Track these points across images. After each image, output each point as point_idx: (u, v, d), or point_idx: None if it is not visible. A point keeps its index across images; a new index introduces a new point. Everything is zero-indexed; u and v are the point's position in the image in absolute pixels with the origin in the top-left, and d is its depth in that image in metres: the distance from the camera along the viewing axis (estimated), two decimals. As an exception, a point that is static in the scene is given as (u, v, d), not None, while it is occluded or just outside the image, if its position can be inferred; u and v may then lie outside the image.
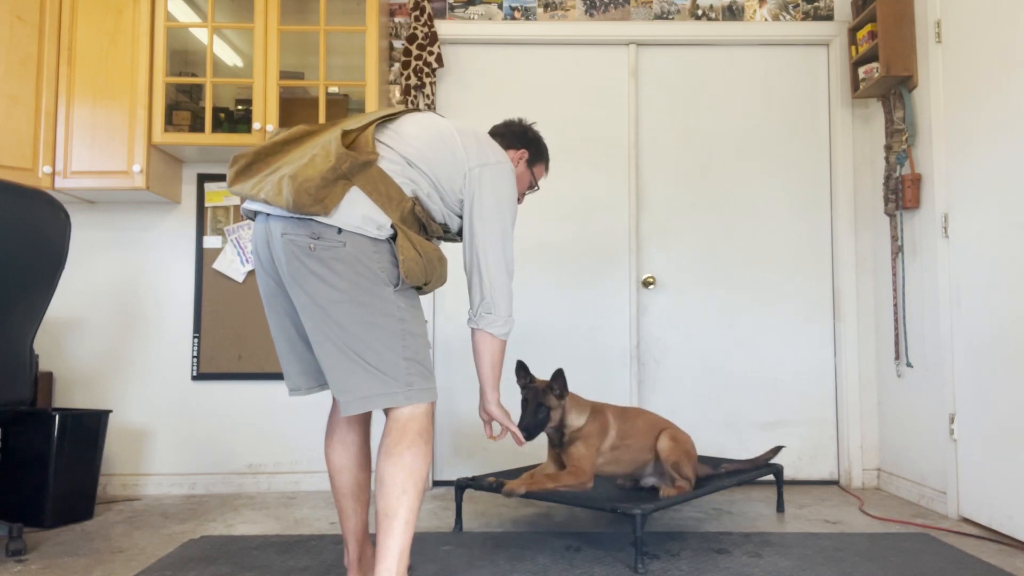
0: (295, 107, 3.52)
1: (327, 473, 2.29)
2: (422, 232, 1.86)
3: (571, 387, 3.67)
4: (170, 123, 3.33)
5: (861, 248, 3.71)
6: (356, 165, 1.70)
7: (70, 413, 2.90)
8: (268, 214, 1.74)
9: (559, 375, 2.50)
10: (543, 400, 2.48)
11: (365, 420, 2.00)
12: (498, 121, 2.30)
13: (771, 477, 3.53)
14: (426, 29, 3.59)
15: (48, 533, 2.74)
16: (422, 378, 1.76)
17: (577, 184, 3.76)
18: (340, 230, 1.68)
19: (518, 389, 3.74)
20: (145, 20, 3.21)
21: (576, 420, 2.54)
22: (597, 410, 2.59)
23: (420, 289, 1.84)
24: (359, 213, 1.70)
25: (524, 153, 2.21)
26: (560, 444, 2.55)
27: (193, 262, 3.56)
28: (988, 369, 2.72)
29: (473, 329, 1.94)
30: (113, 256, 3.55)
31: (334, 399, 1.90)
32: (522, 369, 2.54)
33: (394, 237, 1.74)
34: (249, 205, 1.80)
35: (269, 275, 1.82)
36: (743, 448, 3.67)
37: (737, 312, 3.73)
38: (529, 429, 2.43)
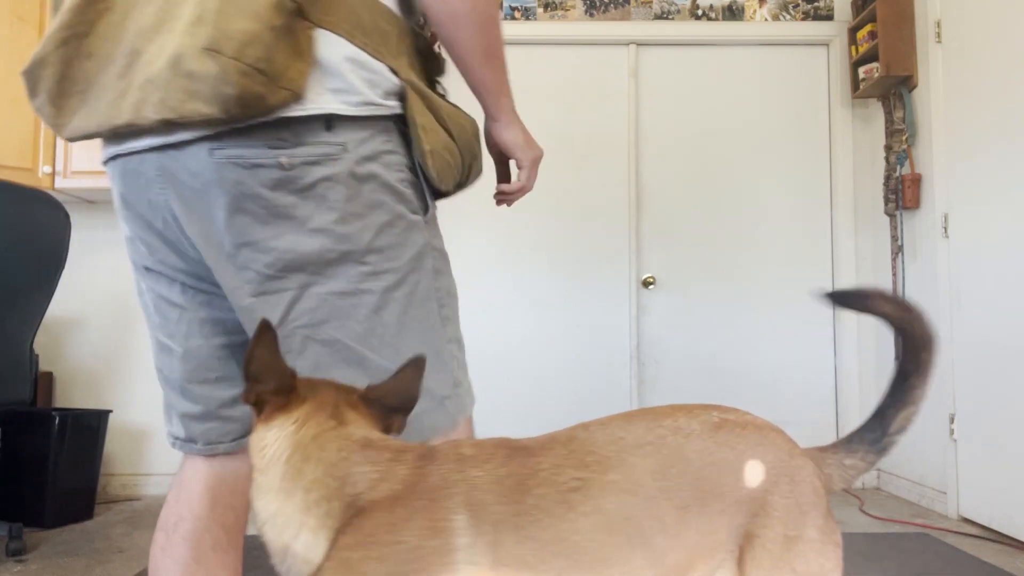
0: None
1: None
2: (431, 80, 1.05)
3: (570, 388, 3.67)
4: (170, 123, 3.33)
5: (861, 248, 3.71)
6: None
7: (70, 413, 2.90)
8: (161, 146, 0.89)
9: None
10: None
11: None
12: None
13: (771, 477, 3.53)
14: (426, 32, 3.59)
15: (48, 533, 2.74)
16: (464, 368, 1.05)
17: (577, 184, 3.75)
18: (330, 121, 0.89)
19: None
20: (145, 20, 3.20)
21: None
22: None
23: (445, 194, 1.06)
24: (357, 76, 0.90)
25: None
26: None
27: (193, 262, 3.56)
28: (988, 369, 2.72)
29: None
30: (113, 256, 3.55)
31: (185, 462, 1.06)
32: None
33: (402, 109, 0.95)
34: (120, 147, 0.93)
35: (162, 254, 0.98)
36: (743, 448, 3.67)
37: (737, 312, 3.73)
38: None
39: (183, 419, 1.03)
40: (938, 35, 3.07)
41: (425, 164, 0.95)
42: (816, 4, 3.78)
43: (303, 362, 0.92)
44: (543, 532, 0.73)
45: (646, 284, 3.72)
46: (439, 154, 0.96)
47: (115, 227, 3.54)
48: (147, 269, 1.00)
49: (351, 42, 0.90)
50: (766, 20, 3.77)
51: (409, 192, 0.96)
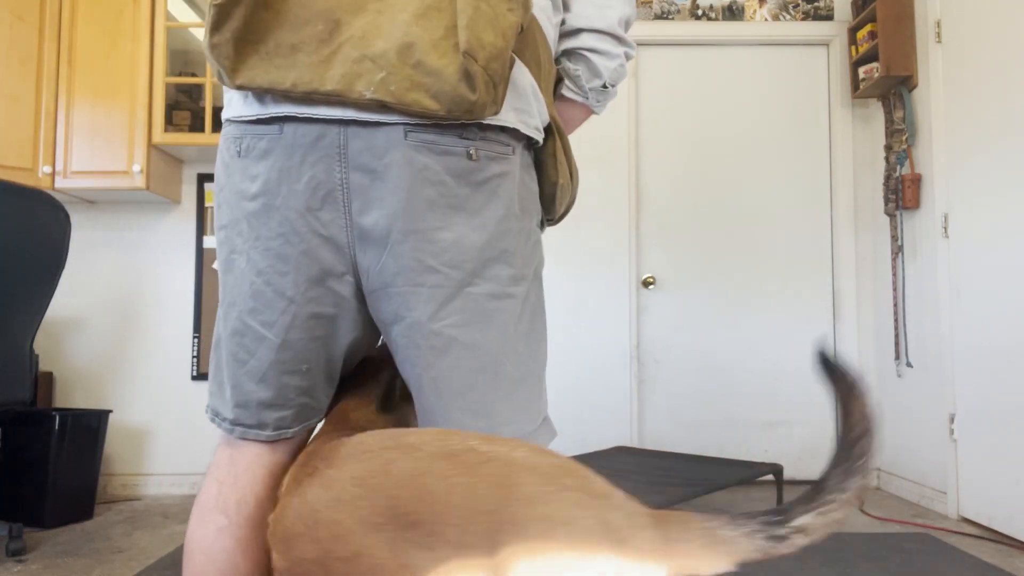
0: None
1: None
2: None
3: (570, 388, 3.68)
4: (170, 123, 3.33)
5: (861, 248, 3.71)
6: (528, 7, 0.92)
7: (70, 413, 2.90)
8: (349, 120, 0.90)
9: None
10: None
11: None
12: None
13: (771, 477, 3.53)
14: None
15: (48, 533, 2.74)
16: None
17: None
18: (503, 128, 0.95)
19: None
20: (145, 20, 3.20)
21: None
22: None
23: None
24: (534, 102, 0.99)
25: None
26: None
27: (193, 262, 3.55)
28: (988, 369, 2.72)
29: (571, 100, 1.13)
30: (113, 256, 3.55)
31: (237, 446, 1.03)
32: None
33: (543, 141, 1.03)
34: (300, 108, 0.90)
35: (296, 237, 0.93)
36: (743, 448, 3.67)
37: (737, 312, 3.73)
38: None
39: (258, 406, 1.00)
40: (938, 35, 3.07)
41: (552, 193, 1.05)
42: (816, 4, 3.78)
43: (443, 362, 0.94)
44: (278, 508, 0.85)
45: (646, 284, 3.72)
46: (561, 187, 1.05)
47: (115, 227, 3.54)
48: (267, 250, 0.94)
49: (531, 73, 0.98)
50: (766, 20, 3.77)
51: (540, 209, 1.05)
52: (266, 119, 0.92)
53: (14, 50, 3.08)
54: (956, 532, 2.72)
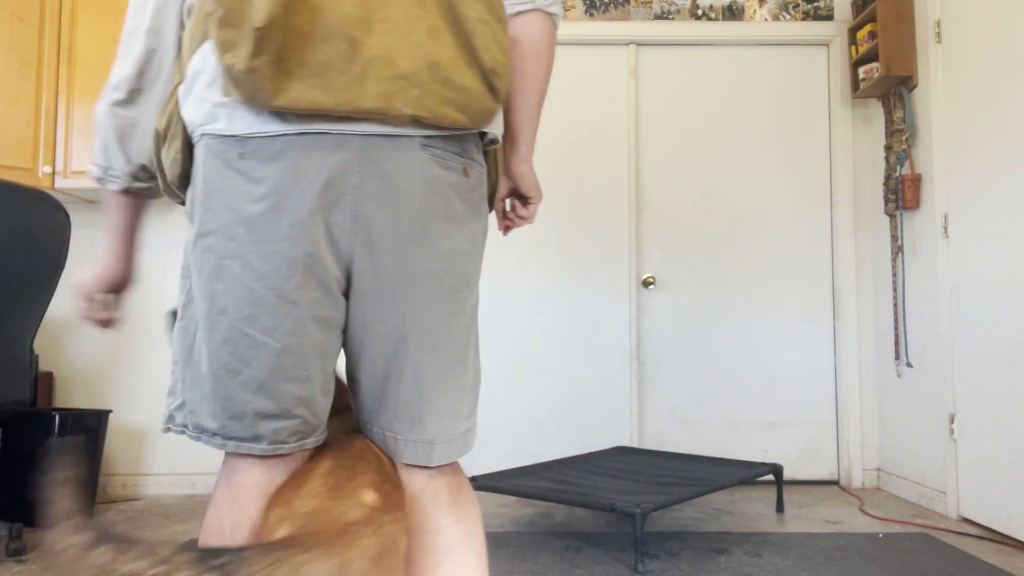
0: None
1: None
2: None
3: (570, 388, 3.68)
4: (170, 123, 3.33)
5: (861, 248, 3.71)
6: None
7: (70, 413, 2.90)
8: (367, 134, 0.93)
9: None
10: None
11: None
12: None
13: (771, 477, 3.53)
14: None
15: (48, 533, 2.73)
16: None
17: (577, 184, 3.76)
18: (472, 140, 1.03)
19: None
20: (145, 20, 3.20)
21: None
22: None
23: None
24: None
25: None
26: None
27: (193, 262, 3.55)
28: (988, 369, 2.72)
29: (520, 13, 1.11)
30: (113, 256, 3.54)
31: (236, 465, 1.01)
32: None
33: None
34: (334, 126, 0.92)
35: (304, 241, 0.93)
36: (743, 448, 3.68)
37: (737, 312, 3.73)
38: None
39: (254, 417, 0.96)
40: (938, 35, 3.07)
41: (496, 189, 1.13)
42: (816, 4, 3.78)
43: (426, 359, 1.02)
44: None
45: (646, 284, 3.72)
46: (495, 185, 1.13)
47: (115, 227, 3.53)
48: (273, 253, 0.93)
49: None
50: (766, 20, 3.77)
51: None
52: (295, 134, 0.92)
53: (14, 50, 3.08)
54: (956, 532, 2.72)
